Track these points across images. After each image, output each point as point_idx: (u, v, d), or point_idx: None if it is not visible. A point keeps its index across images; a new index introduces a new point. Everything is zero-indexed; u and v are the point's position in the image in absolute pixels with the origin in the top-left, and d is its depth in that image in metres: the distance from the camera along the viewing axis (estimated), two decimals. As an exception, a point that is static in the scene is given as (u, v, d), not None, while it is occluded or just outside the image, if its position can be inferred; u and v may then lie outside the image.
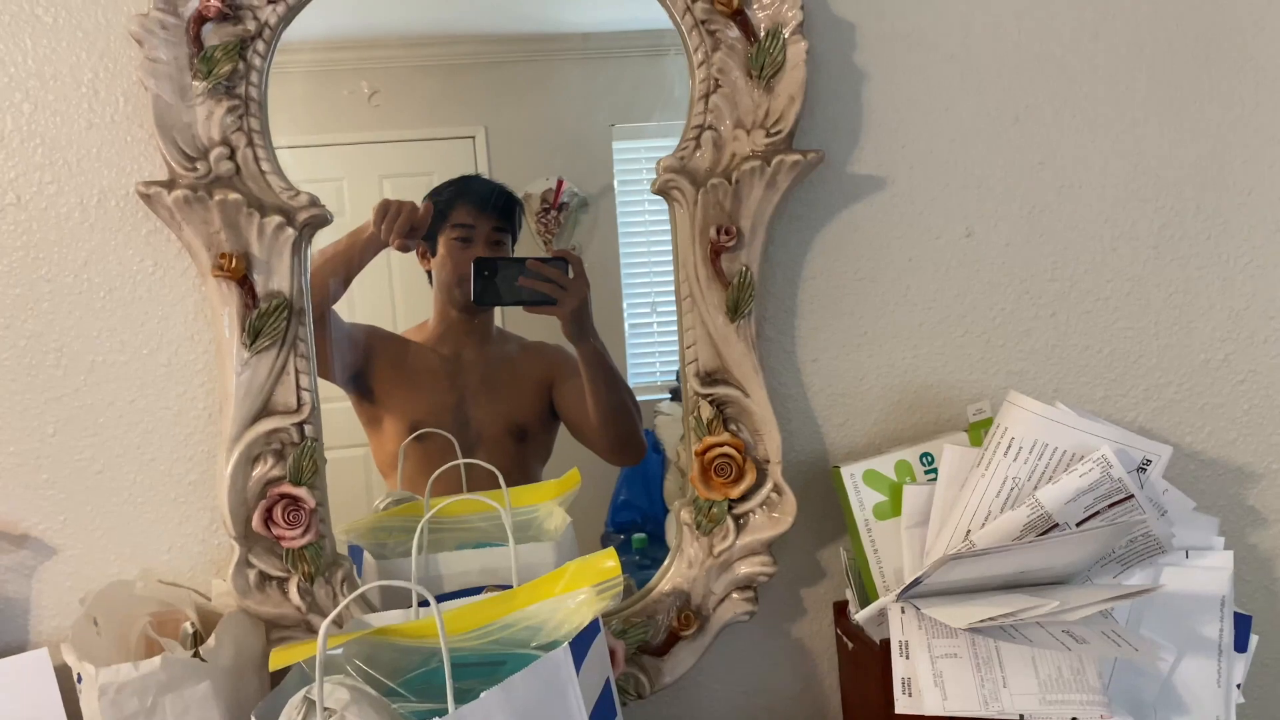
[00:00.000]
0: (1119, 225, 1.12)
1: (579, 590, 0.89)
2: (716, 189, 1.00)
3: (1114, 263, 1.12)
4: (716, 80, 1.00)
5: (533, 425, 1.14)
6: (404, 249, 1.09)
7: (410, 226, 1.08)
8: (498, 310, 1.14)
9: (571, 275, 1.09)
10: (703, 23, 0.99)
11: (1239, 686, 0.97)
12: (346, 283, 1.08)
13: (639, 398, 1.15)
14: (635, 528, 1.19)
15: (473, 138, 1.12)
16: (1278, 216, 1.13)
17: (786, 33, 0.98)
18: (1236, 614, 0.98)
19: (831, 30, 1.05)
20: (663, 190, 1.02)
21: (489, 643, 0.88)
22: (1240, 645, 0.98)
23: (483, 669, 0.88)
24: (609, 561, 0.90)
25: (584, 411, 1.12)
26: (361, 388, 1.11)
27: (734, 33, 0.99)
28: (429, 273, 1.12)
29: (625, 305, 1.16)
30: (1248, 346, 1.14)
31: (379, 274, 1.10)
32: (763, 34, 0.99)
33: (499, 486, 1.06)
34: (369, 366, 1.11)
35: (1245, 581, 1.11)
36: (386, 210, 1.07)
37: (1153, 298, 1.13)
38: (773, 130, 1.00)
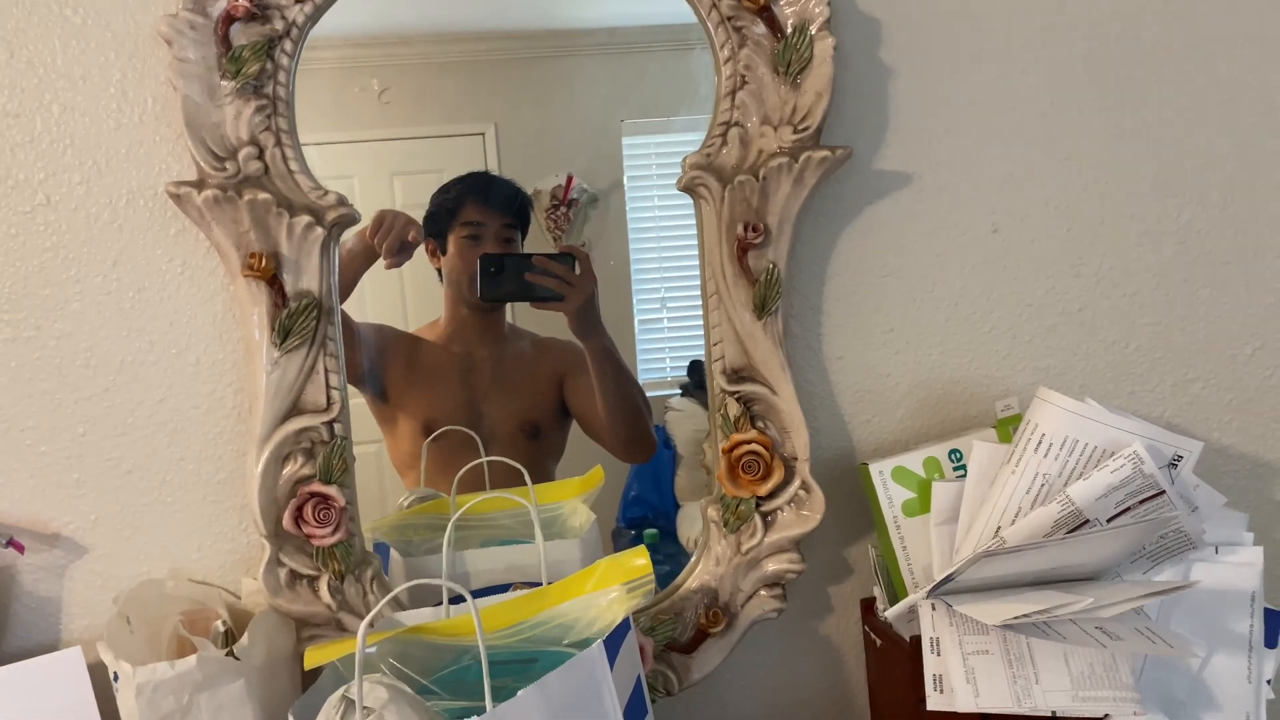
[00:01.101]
0: (1145, 220, 1.11)
1: (610, 588, 0.89)
2: (744, 186, 1.00)
3: (1140, 257, 1.12)
4: (743, 76, 1.00)
5: (545, 422, 1.14)
6: (393, 266, 1.08)
7: (400, 245, 1.07)
8: (509, 307, 1.14)
9: (578, 271, 1.09)
10: (729, 19, 0.99)
11: (1269, 682, 0.97)
12: (354, 283, 1.08)
13: (650, 393, 1.15)
14: (646, 523, 1.19)
15: (482, 134, 1.12)
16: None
17: (814, 28, 0.98)
18: (1267, 610, 0.97)
19: (858, 26, 1.05)
20: (689, 187, 1.02)
21: (521, 640, 0.88)
22: (1271, 641, 0.98)
23: (515, 666, 0.89)
24: (640, 559, 0.90)
25: (594, 408, 1.12)
26: (375, 387, 1.11)
27: (760, 28, 0.99)
28: (439, 270, 1.12)
29: (635, 301, 1.16)
30: (1275, 341, 1.14)
31: (390, 272, 1.09)
32: (790, 30, 0.99)
33: (518, 484, 1.06)
34: (382, 366, 1.11)
35: (1275, 577, 1.10)
36: (381, 223, 1.06)
37: (1179, 292, 1.13)
38: (800, 127, 0.99)
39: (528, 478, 1.06)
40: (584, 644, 0.86)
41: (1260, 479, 1.15)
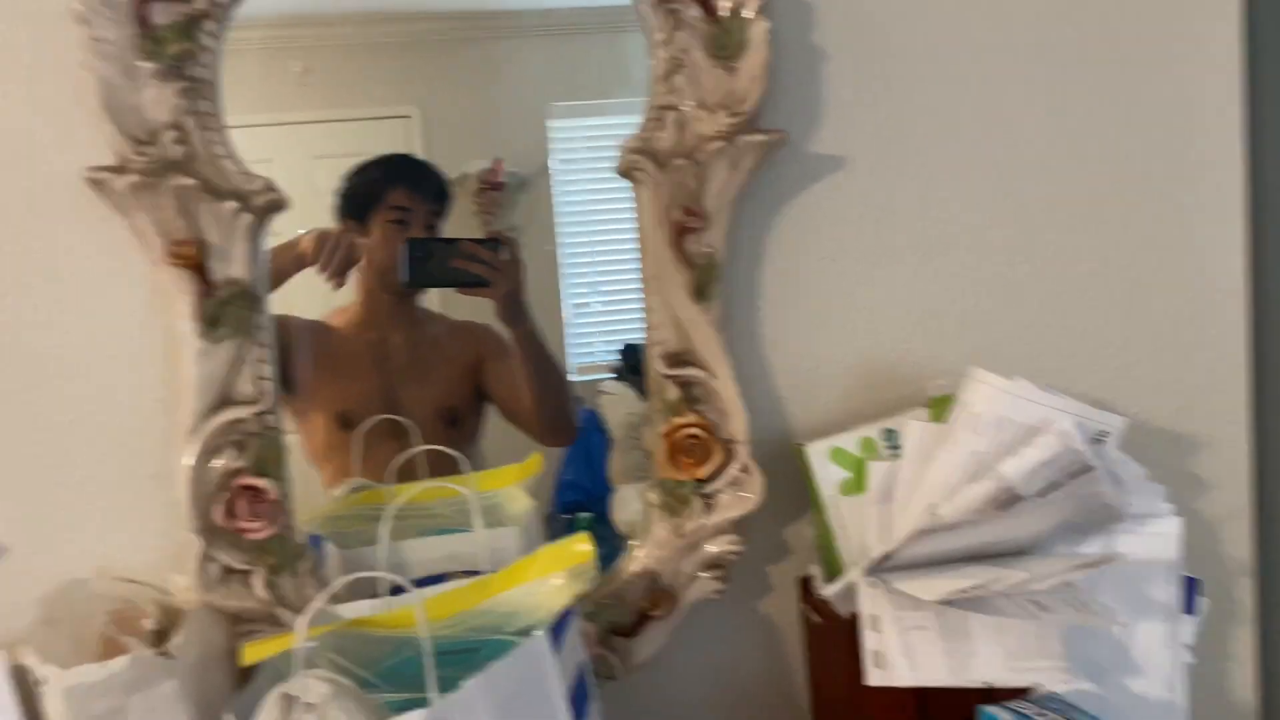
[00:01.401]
0: (1072, 203, 1.14)
1: (553, 575, 0.89)
2: (681, 170, 1.00)
3: (1067, 239, 1.15)
4: (678, 60, 1.00)
5: (463, 407, 1.13)
6: (339, 286, 1.07)
7: (348, 263, 1.06)
8: (430, 291, 1.12)
9: (506, 257, 1.08)
10: (664, 1, 0.99)
11: (1188, 648, 1.01)
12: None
13: (582, 378, 1.15)
14: (580, 508, 1.18)
15: (408, 117, 1.10)
16: (1222, 192, 1.16)
17: (749, 12, 0.98)
18: (1185, 578, 1.01)
19: (793, 10, 1.05)
20: (626, 171, 1.01)
21: (464, 630, 0.87)
22: (1189, 608, 1.02)
23: (458, 656, 0.88)
24: (582, 545, 0.90)
25: (515, 393, 1.11)
26: (284, 380, 1.06)
27: (695, 11, 0.99)
28: None
29: (566, 286, 1.16)
30: (1191, 319, 1.18)
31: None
32: (724, 13, 0.99)
33: (444, 473, 1.05)
34: (289, 358, 1.06)
35: (1192, 547, 1.14)
36: (324, 244, 1.04)
37: (1103, 272, 1.16)
38: (736, 111, 1.00)
39: (465, 465, 1.05)
40: (528, 632, 0.86)
41: (1177, 451, 1.19)
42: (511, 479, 1.14)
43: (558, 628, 0.83)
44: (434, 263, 1.07)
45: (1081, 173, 1.14)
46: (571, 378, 1.16)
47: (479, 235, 1.10)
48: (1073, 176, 1.14)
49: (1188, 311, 1.18)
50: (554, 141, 1.14)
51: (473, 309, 1.10)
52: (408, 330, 1.12)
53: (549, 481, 1.17)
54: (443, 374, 1.13)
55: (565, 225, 1.15)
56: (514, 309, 1.09)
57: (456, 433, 1.13)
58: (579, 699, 0.85)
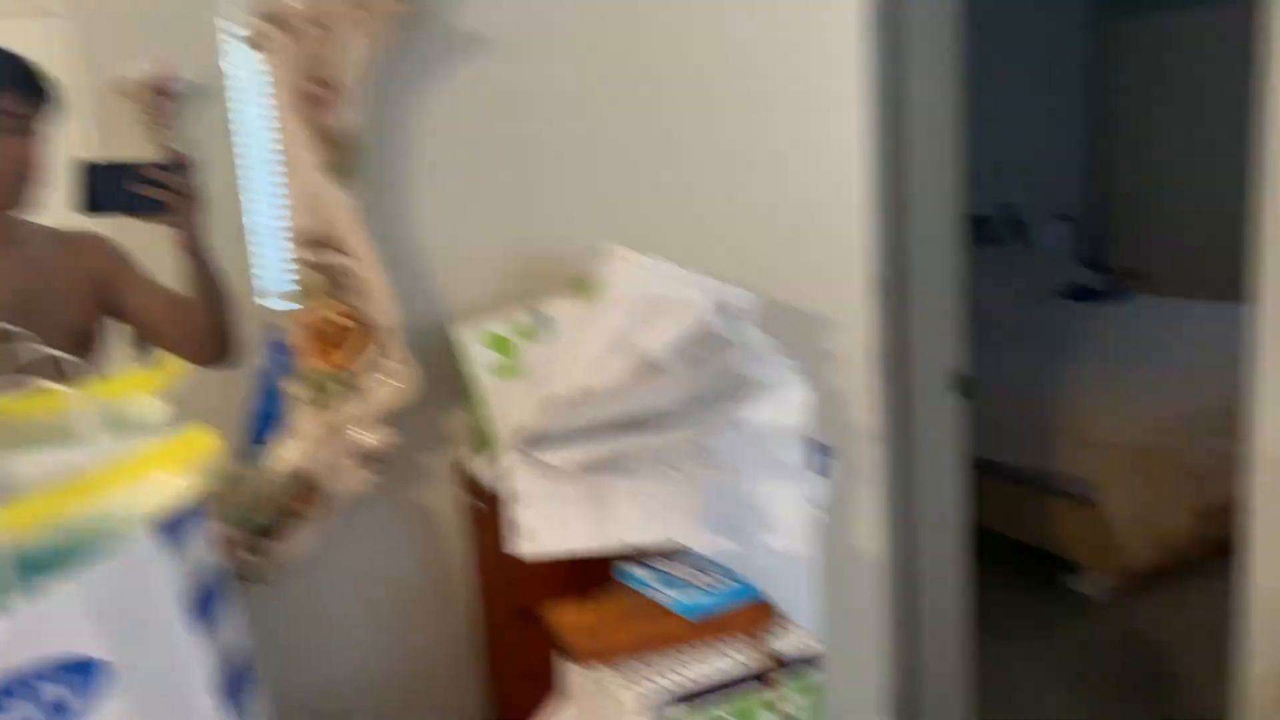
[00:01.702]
0: (710, 94, 1.18)
1: (170, 471, 0.82)
2: (310, 38, 0.93)
3: (707, 129, 1.19)
4: (304, -83, 0.92)
5: (91, 328, 1.01)
6: None
7: None
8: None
9: (185, 179, 0.97)
10: None
11: (818, 508, 1.10)
12: None
13: (268, 302, 1.06)
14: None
15: (55, 14, 0.96)
16: (845, 91, 1.24)
17: None
18: (815, 443, 1.10)
19: None
20: (255, 40, 0.93)
21: (65, 535, 0.79)
22: (820, 470, 1.11)
23: (57, 564, 0.79)
24: (202, 438, 0.83)
25: (166, 314, 1.02)
26: None
27: None
28: None
29: (248, 205, 1.06)
30: (817, 208, 1.25)
31: None
32: None
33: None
34: None
35: (824, 416, 1.24)
36: None
37: (740, 161, 1.21)
38: (367, -26, 0.94)
39: (85, 369, 0.94)
40: (134, 533, 0.79)
41: (807, 329, 1.27)
42: (143, 386, 1.03)
43: (174, 527, 0.77)
44: (108, 187, 0.94)
45: (724, 67, 1.18)
46: (262, 303, 1.07)
47: (149, 150, 0.98)
48: (716, 70, 1.18)
49: (816, 202, 1.25)
50: (228, 44, 1.02)
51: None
52: (8, 249, 0.98)
53: (239, 412, 1.08)
54: (60, 295, 0.99)
55: (247, 139, 1.04)
56: (194, 234, 0.98)
57: (85, 355, 1.00)
58: (206, 603, 0.80)
